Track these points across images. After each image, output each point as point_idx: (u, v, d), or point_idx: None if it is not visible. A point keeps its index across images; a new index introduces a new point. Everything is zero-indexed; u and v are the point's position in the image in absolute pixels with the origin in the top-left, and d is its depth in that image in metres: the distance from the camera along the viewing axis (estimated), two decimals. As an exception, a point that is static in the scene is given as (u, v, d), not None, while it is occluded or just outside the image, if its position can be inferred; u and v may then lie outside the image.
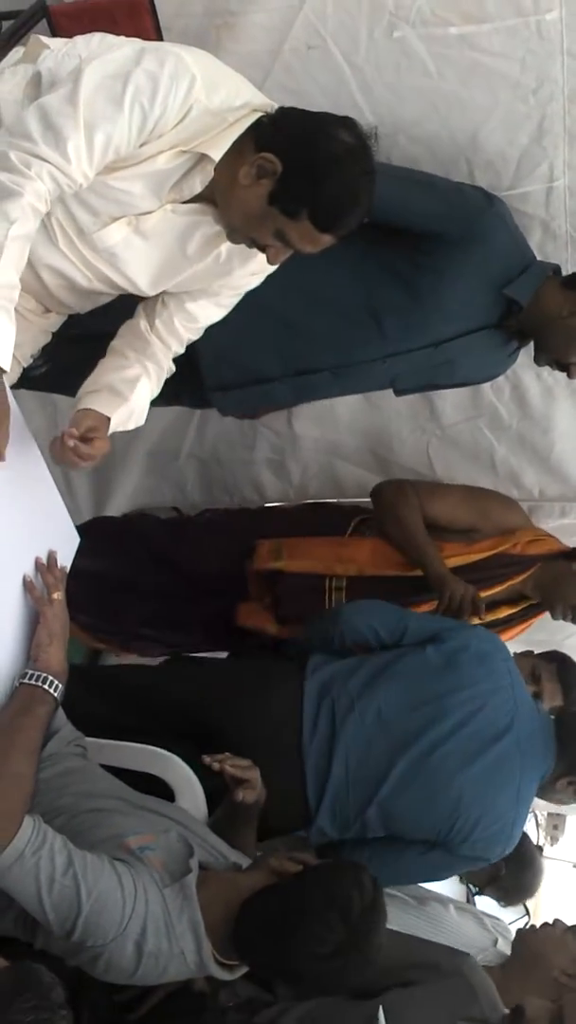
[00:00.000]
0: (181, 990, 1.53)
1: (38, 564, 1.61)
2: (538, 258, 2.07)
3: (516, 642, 2.30)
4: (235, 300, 1.67)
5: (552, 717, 2.01)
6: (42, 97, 1.38)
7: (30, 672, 1.48)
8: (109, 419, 1.55)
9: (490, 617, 2.20)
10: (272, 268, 1.57)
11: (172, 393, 1.75)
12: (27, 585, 1.57)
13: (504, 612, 2.23)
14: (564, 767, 1.93)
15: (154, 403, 1.69)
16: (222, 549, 2.32)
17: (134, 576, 2.41)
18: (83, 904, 1.30)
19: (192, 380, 1.94)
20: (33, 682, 1.47)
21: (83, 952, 1.36)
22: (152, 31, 1.79)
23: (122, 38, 1.52)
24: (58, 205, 1.43)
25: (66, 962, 1.40)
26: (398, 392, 2.18)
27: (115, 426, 1.56)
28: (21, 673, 1.49)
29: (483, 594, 2.13)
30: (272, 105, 1.48)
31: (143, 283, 1.58)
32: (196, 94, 1.37)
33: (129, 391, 1.59)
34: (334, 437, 2.60)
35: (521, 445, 2.49)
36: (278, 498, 2.69)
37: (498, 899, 2.53)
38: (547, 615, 2.26)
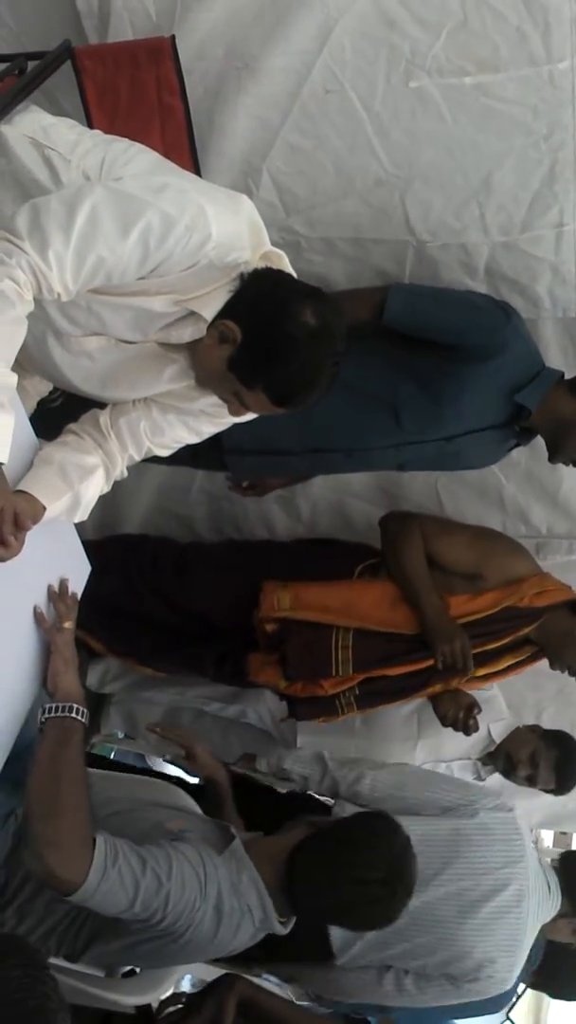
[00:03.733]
0: None
1: (50, 592, 1.60)
2: (548, 302, 2.11)
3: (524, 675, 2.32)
4: (214, 430, 1.62)
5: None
6: (47, 195, 1.34)
7: (56, 705, 1.49)
8: (44, 509, 1.43)
9: (492, 668, 2.24)
10: (241, 418, 1.54)
11: (190, 454, 1.76)
12: (37, 616, 1.55)
13: (507, 661, 2.25)
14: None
15: (172, 462, 1.69)
16: (228, 590, 2.32)
17: (143, 609, 2.41)
18: (169, 892, 1.41)
19: (211, 441, 1.95)
20: (62, 714, 1.48)
21: (165, 934, 1.46)
22: (174, 74, 1.82)
23: (146, 153, 1.49)
24: (37, 307, 1.36)
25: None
26: (402, 471, 2.26)
27: (49, 517, 1.45)
28: (45, 708, 1.49)
29: (488, 647, 2.18)
30: (271, 253, 1.47)
31: (113, 391, 1.54)
32: (207, 251, 1.35)
33: (79, 480, 1.48)
34: (343, 475, 2.60)
35: (529, 482, 2.49)
36: (287, 534, 2.68)
37: None
38: None
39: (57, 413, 1.98)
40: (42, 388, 1.86)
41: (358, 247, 2.12)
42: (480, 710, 2.25)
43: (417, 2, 1.79)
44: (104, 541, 2.49)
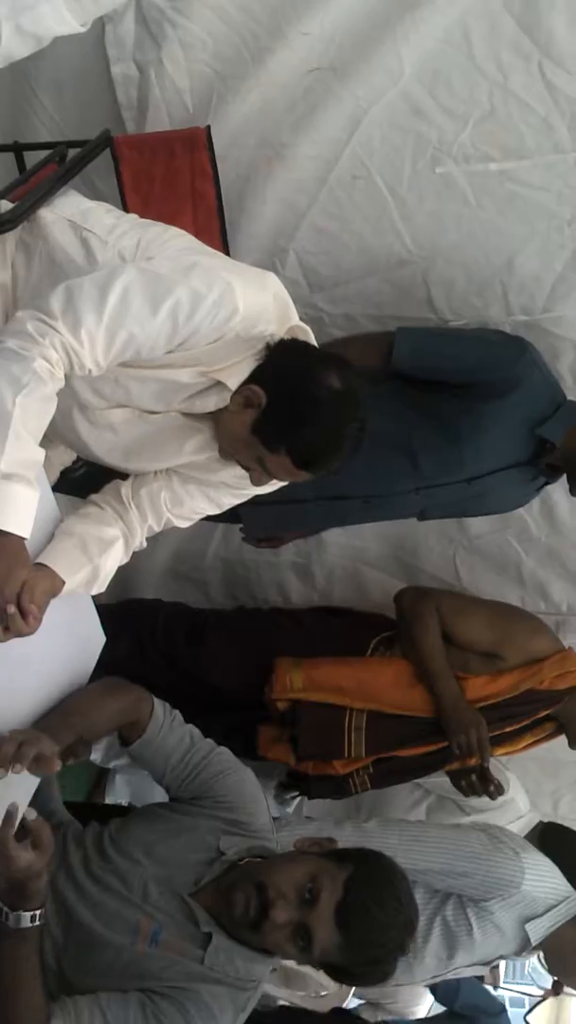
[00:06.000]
0: None
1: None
2: (571, 380, 2.12)
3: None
4: (234, 501, 1.63)
5: None
6: (79, 277, 1.37)
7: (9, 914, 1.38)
8: (63, 584, 1.42)
9: (511, 748, 2.19)
10: (262, 489, 1.55)
11: None
12: None
13: (526, 740, 2.20)
14: None
15: None
16: (241, 663, 2.28)
17: (154, 678, 2.37)
18: None
19: None
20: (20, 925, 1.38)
21: None
22: (208, 161, 1.87)
23: (180, 237, 1.52)
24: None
25: None
26: (423, 519, 2.20)
27: (67, 591, 1.44)
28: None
29: (507, 729, 2.14)
30: (297, 327, 1.49)
31: (135, 463, 1.56)
32: (233, 325, 1.37)
33: (99, 553, 1.49)
34: (360, 543, 2.59)
35: (549, 558, 2.47)
36: (302, 602, 2.66)
37: None
38: None
39: (80, 482, 2.00)
40: (65, 458, 1.87)
41: (380, 324, 2.15)
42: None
43: (445, 93, 1.84)
44: (118, 606, 2.47)
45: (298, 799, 2.43)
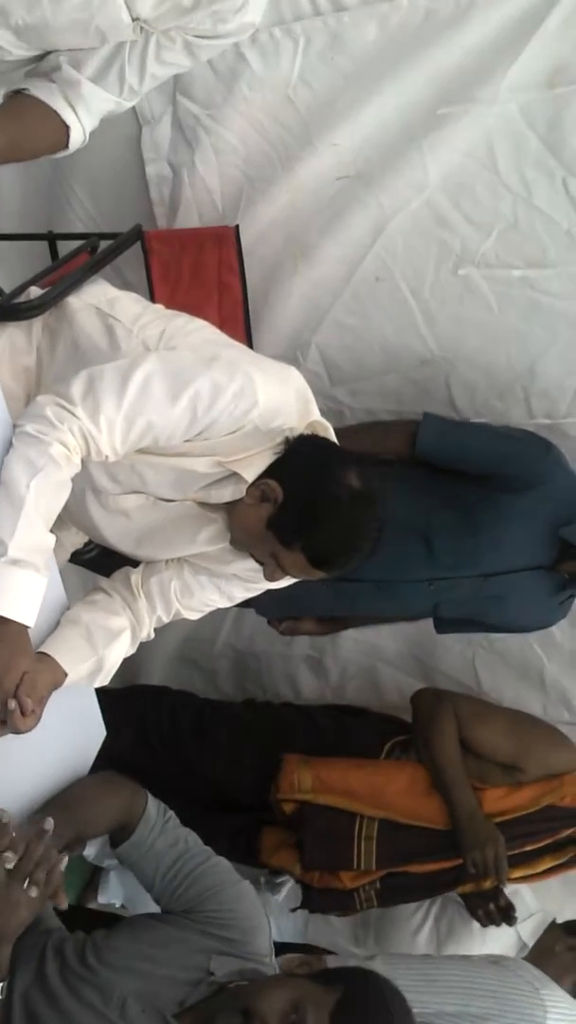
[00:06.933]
0: None
1: None
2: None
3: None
4: (246, 595, 1.61)
5: None
6: (100, 365, 1.38)
7: None
8: (66, 676, 1.39)
9: (529, 870, 2.07)
10: (275, 584, 1.52)
11: None
12: None
13: (547, 863, 2.08)
14: None
15: None
16: (247, 760, 2.21)
17: (157, 771, 2.30)
18: None
19: None
20: None
21: None
22: (235, 257, 1.93)
23: (204, 329, 1.54)
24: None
25: None
26: (440, 624, 2.13)
27: (70, 683, 1.40)
28: None
29: (526, 848, 2.02)
30: (317, 423, 1.50)
31: (147, 550, 1.54)
32: (252, 417, 1.38)
33: (104, 644, 1.46)
34: (376, 639, 2.53)
35: (573, 664, 2.39)
36: (314, 698, 2.59)
37: None
38: None
39: (90, 564, 2.00)
40: (77, 540, 1.87)
41: (400, 419, 2.15)
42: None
43: (469, 205, 1.88)
44: (123, 692, 2.43)
45: (289, 885, 2.30)
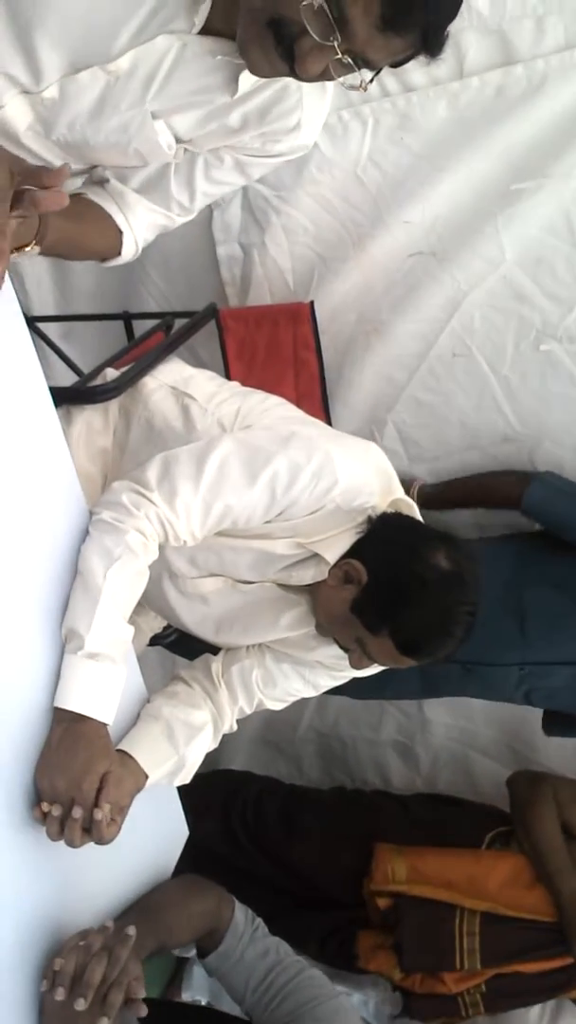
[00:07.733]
0: None
1: None
2: None
3: None
4: (332, 683, 1.54)
5: None
6: (176, 449, 1.36)
7: None
8: (147, 779, 1.31)
9: None
10: (361, 672, 1.45)
11: None
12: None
13: None
14: None
15: None
16: (338, 852, 2.09)
17: (242, 862, 2.21)
18: None
19: None
20: None
21: None
22: (311, 333, 1.92)
23: (280, 407, 1.52)
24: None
25: None
26: (549, 726, 2.03)
27: (151, 784, 1.33)
28: None
29: None
30: (401, 501, 1.45)
31: (227, 636, 1.49)
32: (333, 496, 1.34)
33: (186, 741, 1.39)
34: (468, 726, 2.41)
35: None
36: (404, 786, 2.47)
37: None
38: None
39: (167, 647, 1.97)
40: (156, 625, 1.84)
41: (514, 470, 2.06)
42: None
43: (548, 279, 1.83)
44: (204, 777, 2.36)
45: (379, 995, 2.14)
